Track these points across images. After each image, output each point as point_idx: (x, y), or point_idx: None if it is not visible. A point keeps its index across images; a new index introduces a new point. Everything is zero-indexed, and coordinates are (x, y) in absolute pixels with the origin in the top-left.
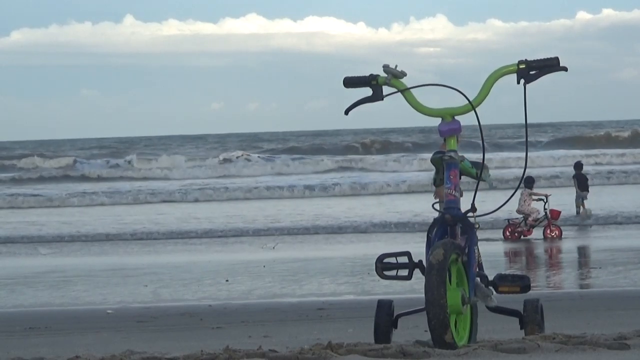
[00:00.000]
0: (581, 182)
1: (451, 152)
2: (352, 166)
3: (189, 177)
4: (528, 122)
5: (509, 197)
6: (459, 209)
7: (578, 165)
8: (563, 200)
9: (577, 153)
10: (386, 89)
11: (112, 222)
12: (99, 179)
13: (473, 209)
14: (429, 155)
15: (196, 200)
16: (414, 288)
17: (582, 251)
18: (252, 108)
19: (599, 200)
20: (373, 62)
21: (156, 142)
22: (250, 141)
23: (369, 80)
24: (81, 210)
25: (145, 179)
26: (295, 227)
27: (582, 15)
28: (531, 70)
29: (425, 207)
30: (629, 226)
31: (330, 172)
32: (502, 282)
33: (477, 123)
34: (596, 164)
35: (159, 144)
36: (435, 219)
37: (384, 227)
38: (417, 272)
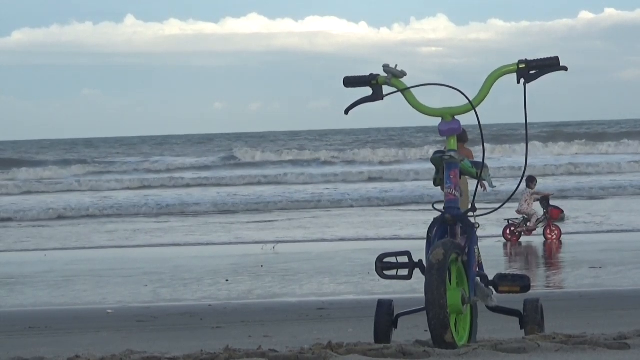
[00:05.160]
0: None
1: (451, 152)
2: None
3: None
4: (528, 121)
5: (509, 196)
6: (459, 209)
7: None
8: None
9: None
10: (386, 89)
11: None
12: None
13: (473, 208)
14: None
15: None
16: (414, 288)
17: (582, 251)
18: (254, 108)
19: None
20: (376, 62)
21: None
22: None
23: (369, 80)
24: None
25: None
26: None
27: (585, 15)
28: (531, 70)
29: None
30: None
31: None
32: (502, 282)
33: (477, 123)
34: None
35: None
36: (435, 219)
37: None
38: (417, 272)
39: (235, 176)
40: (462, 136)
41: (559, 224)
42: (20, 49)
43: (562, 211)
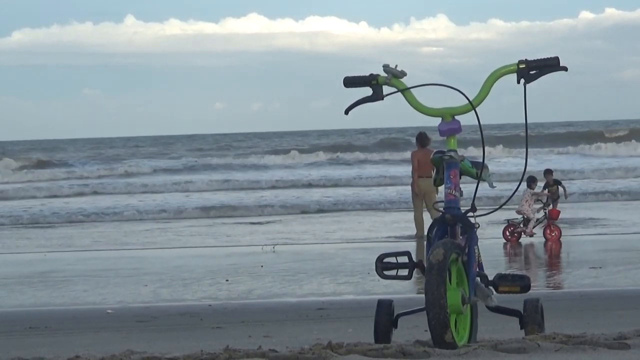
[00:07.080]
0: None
1: (451, 152)
2: None
3: None
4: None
5: (509, 196)
6: (459, 209)
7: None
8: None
9: None
10: (386, 89)
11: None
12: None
13: (473, 208)
14: None
15: None
16: (414, 288)
17: (582, 251)
18: (255, 108)
19: None
20: (376, 62)
21: None
22: None
23: (369, 80)
24: None
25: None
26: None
27: (585, 15)
28: (531, 70)
29: None
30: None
31: None
32: (502, 282)
33: (477, 123)
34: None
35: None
36: (435, 219)
37: None
38: (417, 272)
39: (236, 177)
40: (424, 140)
41: (560, 214)
42: (20, 49)
43: (561, 184)
